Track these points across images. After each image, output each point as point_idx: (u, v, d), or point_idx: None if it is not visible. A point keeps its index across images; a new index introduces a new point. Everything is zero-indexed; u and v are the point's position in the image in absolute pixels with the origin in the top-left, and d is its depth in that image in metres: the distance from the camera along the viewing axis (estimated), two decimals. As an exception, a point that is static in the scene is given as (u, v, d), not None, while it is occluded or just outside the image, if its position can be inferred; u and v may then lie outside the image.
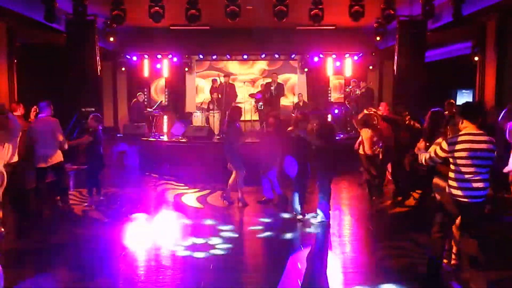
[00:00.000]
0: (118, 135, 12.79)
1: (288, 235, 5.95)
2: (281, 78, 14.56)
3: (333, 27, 12.06)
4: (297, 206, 6.51)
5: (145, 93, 13.97)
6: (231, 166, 7.35)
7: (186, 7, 8.57)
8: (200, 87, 15.41)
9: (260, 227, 6.24)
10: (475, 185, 3.89)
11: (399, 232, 6.12)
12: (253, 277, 4.68)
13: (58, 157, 6.70)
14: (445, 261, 4.54)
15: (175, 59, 14.37)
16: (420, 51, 10.14)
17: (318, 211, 6.36)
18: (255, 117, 13.13)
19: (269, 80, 13.64)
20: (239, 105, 9.59)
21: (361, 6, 8.57)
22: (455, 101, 10.96)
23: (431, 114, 5.16)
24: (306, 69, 15.18)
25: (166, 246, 5.54)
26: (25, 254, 5.34)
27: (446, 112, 6.92)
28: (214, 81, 13.22)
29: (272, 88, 12.85)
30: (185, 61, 14.96)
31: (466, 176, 3.90)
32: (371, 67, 14.55)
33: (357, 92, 13.20)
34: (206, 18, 8.96)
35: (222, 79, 12.44)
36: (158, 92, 15.03)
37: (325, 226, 6.25)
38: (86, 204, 7.41)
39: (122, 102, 14.33)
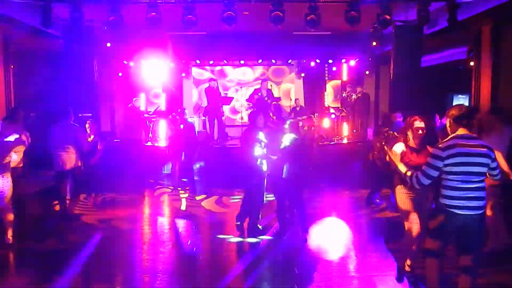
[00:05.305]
0: (115, 140, 12.77)
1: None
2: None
3: (330, 33, 12.11)
4: None
5: (142, 98, 13.95)
6: None
7: (183, 13, 8.59)
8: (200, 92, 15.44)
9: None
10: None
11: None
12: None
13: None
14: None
15: (172, 64, 14.38)
16: (416, 56, 10.18)
17: None
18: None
19: (258, 86, 13.59)
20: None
21: (357, 11, 8.60)
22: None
23: None
24: (303, 74, 15.22)
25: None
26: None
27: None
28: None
29: (260, 94, 12.63)
30: (182, 66, 14.97)
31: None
32: (367, 72, 14.60)
33: (353, 97, 13.23)
34: (203, 23, 8.98)
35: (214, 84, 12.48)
36: (155, 97, 15.00)
37: None
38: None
39: (119, 107, 14.30)
